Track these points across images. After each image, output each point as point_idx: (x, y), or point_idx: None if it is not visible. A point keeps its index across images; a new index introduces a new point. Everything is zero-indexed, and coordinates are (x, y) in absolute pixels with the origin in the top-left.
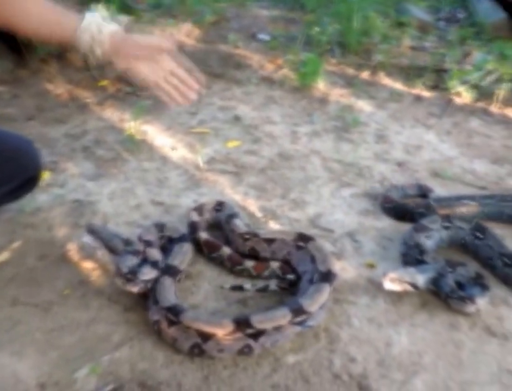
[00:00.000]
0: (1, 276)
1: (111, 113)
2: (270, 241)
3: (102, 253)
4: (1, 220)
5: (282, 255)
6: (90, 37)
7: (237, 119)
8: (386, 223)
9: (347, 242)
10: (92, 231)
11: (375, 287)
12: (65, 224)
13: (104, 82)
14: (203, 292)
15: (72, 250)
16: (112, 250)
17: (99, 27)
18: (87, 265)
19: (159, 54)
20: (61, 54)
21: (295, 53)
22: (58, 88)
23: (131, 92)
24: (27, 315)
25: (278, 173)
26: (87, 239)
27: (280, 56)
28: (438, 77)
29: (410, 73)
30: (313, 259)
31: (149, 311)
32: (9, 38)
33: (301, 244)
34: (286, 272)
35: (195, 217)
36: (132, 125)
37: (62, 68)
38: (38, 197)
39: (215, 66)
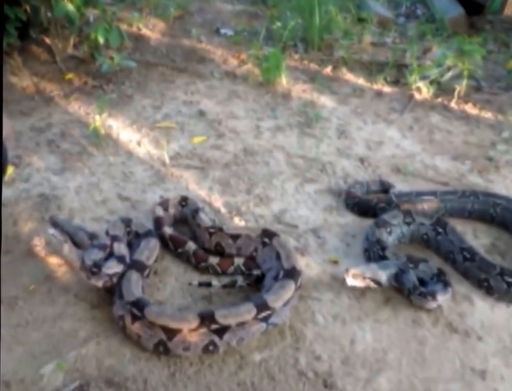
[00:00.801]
0: None
1: (77, 107)
2: (235, 237)
3: (68, 249)
4: None
5: (248, 251)
6: None
7: (201, 114)
8: (349, 219)
9: (310, 238)
10: (56, 223)
11: (339, 283)
12: (31, 219)
13: (70, 75)
14: (169, 289)
15: (38, 245)
16: (77, 244)
17: None
18: (53, 260)
19: None
20: (25, 46)
21: (258, 48)
22: (24, 80)
23: (97, 85)
24: None
25: (242, 168)
26: (53, 231)
27: (243, 51)
28: (399, 73)
29: (371, 69)
30: (278, 256)
31: (114, 306)
32: None
33: (266, 240)
34: (251, 268)
35: (160, 212)
36: (97, 119)
37: (27, 61)
38: (3, 192)
39: (179, 60)
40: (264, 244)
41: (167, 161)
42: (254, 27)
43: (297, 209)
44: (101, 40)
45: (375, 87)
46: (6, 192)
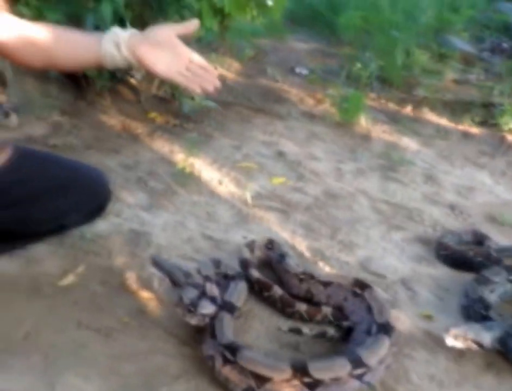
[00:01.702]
0: (67, 299)
1: (161, 145)
2: (326, 284)
3: (159, 285)
4: (65, 245)
5: (337, 300)
6: (112, 45)
7: (280, 154)
8: (441, 271)
9: (400, 290)
10: (156, 262)
11: (434, 341)
12: (123, 253)
13: (153, 114)
14: (255, 332)
15: (130, 278)
16: (173, 282)
17: (116, 34)
18: (145, 295)
19: (177, 43)
20: (114, 87)
21: (335, 88)
22: (112, 119)
23: (178, 124)
24: (91, 339)
25: (324, 212)
26: (153, 270)
27: (320, 90)
28: (487, 113)
29: (455, 108)
30: (369, 308)
31: (204, 345)
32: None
33: (357, 290)
34: (339, 318)
35: (246, 254)
36: (181, 158)
37: (115, 101)
38: (98, 225)
39: (256, 100)
40: (355, 295)
41: (249, 201)
42: (329, 65)
43: (383, 257)
44: None
45: (461, 128)
46: (101, 225)
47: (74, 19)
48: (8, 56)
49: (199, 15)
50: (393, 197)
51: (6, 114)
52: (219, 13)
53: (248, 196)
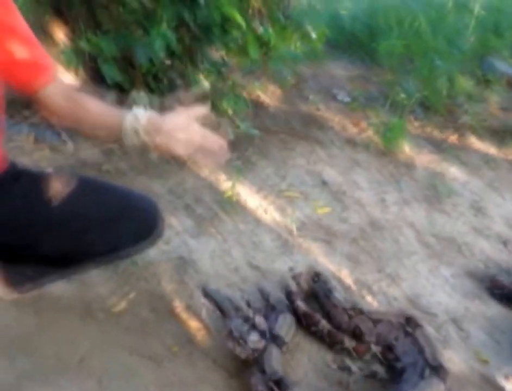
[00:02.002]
0: (119, 325)
1: (207, 172)
2: (376, 321)
3: (208, 314)
4: (118, 270)
5: (387, 339)
6: (131, 130)
7: (324, 183)
8: (495, 310)
9: (452, 329)
10: (207, 293)
11: (492, 386)
12: (172, 280)
13: None
14: (303, 368)
15: (179, 306)
16: (223, 313)
17: (137, 118)
18: (194, 323)
19: (191, 125)
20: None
21: (377, 115)
22: None
23: None
24: (142, 366)
25: (370, 244)
26: (204, 300)
27: (362, 117)
28: None
29: (504, 136)
30: (421, 349)
31: (253, 379)
32: (123, 99)
33: (409, 329)
34: (388, 358)
35: (293, 286)
36: (227, 186)
37: None
38: (149, 251)
39: (298, 127)
40: (406, 334)
41: (294, 231)
42: (370, 92)
43: (433, 294)
44: (230, 111)
45: (511, 157)
46: (151, 251)
47: (128, 52)
48: (45, 110)
49: (244, 46)
50: (441, 230)
51: (63, 141)
52: (264, 44)
53: (293, 225)
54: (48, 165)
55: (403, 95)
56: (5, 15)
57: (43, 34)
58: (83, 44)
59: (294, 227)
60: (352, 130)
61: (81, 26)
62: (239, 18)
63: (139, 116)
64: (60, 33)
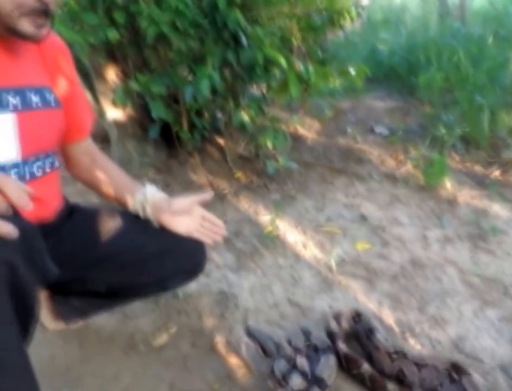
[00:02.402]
0: (160, 359)
1: (247, 205)
2: (420, 366)
3: (248, 352)
4: (160, 303)
5: (432, 385)
6: (139, 205)
7: (363, 218)
8: None
9: (500, 377)
10: (249, 332)
11: None
12: (212, 314)
13: (238, 174)
14: None
15: (219, 342)
16: (265, 352)
17: (146, 197)
18: (233, 360)
19: (193, 208)
20: (203, 146)
21: (416, 149)
22: (201, 178)
23: (262, 184)
24: None
25: (411, 283)
26: (246, 339)
27: (401, 150)
28: None
29: None
30: None
31: None
32: (166, 133)
33: (454, 376)
34: None
35: (334, 326)
36: (266, 220)
37: (204, 160)
38: (189, 285)
39: (336, 161)
40: (452, 380)
41: (334, 267)
42: (409, 125)
43: (478, 338)
44: (269, 145)
45: None
46: (192, 285)
47: (174, 91)
48: (67, 162)
49: (285, 84)
50: (486, 270)
51: None
52: (304, 82)
53: (332, 261)
54: (93, 198)
55: (443, 130)
56: (70, 70)
57: (96, 75)
58: (133, 84)
59: (333, 263)
60: (391, 164)
61: (130, 66)
62: (281, 60)
63: (148, 195)
64: (112, 74)
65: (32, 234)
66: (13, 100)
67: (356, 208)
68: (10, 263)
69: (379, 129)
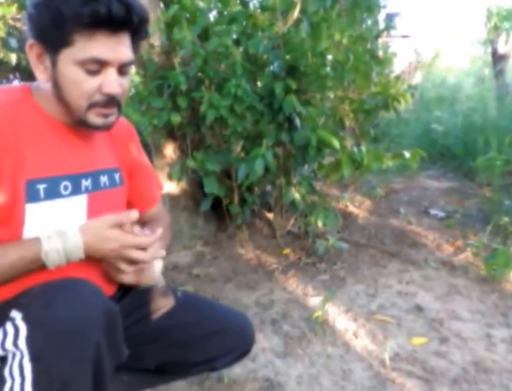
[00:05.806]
0: None
1: (295, 285)
2: None
3: None
4: (204, 386)
5: None
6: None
7: (419, 309)
8: None
9: None
10: None
11: None
12: None
13: (287, 250)
14: None
15: None
16: None
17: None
18: None
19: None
20: (252, 221)
21: (476, 235)
22: (249, 252)
23: (310, 263)
24: None
25: (475, 388)
26: None
27: (459, 236)
28: None
29: None
30: None
31: None
32: (216, 206)
33: None
34: None
35: None
36: (315, 303)
37: (252, 234)
38: (234, 368)
39: (388, 243)
40: None
41: (387, 361)
42: (467, 208)
43: None
44: (320, 224)
45: None
46: (237, 369)
47: (227, 167)
48: None
49: (337, 164)
50: None
51: None
52: (357, 162)
53: (385, 355)
54: None
55: (506, 219)
56: (137, 149)
57: (156, 151)
58: (190, 162)
59: (387, 357)
60: (448, 250)
61: (188, 144)
62: (334, 141)
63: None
64: (170, 150)
65: (118, 314)
66: (85, 182)
67: (411, 297)
68: (98, 345)
69: (434, 211)
